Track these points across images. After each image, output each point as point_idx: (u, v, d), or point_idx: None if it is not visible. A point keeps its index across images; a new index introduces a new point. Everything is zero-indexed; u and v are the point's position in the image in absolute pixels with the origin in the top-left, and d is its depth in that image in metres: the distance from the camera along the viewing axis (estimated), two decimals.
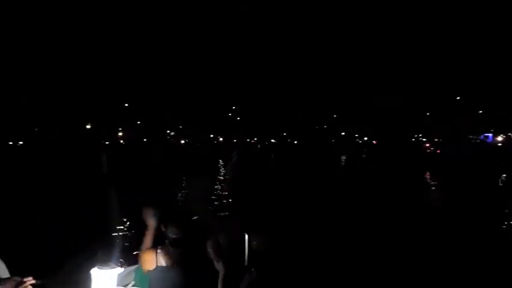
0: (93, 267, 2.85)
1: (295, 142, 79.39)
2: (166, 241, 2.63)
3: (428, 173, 24.19)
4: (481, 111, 64.10)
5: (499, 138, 60.50)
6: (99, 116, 61.95)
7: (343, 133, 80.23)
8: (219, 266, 2.77)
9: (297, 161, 33.66)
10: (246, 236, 2.84)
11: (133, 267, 3.18)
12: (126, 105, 67.06)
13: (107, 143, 61.17)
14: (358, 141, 78.57)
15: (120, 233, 6.43)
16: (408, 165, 29.35)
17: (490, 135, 61.28)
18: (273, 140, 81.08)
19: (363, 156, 45.27)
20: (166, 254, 2.61)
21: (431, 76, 72.73)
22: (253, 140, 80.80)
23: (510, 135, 59.86)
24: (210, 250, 2.75)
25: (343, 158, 41.88)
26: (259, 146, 73.29)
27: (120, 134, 66.71)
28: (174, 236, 2.62)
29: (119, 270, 2.84)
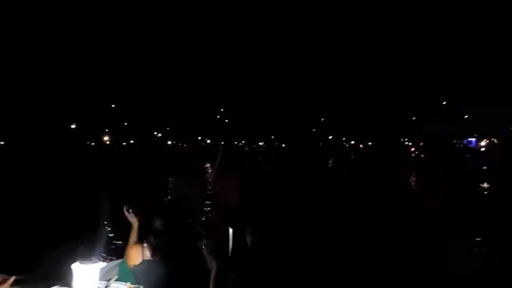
0: (75, 262, 2.81)
1: (283, 145, 79.68)
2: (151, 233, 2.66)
3: (414, 176, 24.55)
4: (466, 116, 65.38)
5: (482, 143, 61.77)
6: (84, 117, 61.33)
7: (330, 137, 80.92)
8: (212, 265, 2.78)
9: (285, 163, 33.80)
10: (231, 231, 2.84)
11: (116, 262, 3.17)
12: (113, 106, 66.53)
13: (92, 144, 60.56)
14: (345, 145, 79.34)
15: (106, 230, 6.42)
16: (394, 168, 29.76)
17: (474, 139, 62.52)
18: (260, 143, 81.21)
19: (352, 158, 45.76)
20: (151, 246, 2.64)
21: (418, 81, 73.87)
22: (241, 142, 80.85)
23: (493, 140, 61.16)
24: (206, 250, 2.75)
25: (331, 161, 42.24)
26: (246, 148, 73.36)
27: (106, 136, 66.11)
28: (159, 227, 2.65)
29: (101, 264, 2.81)
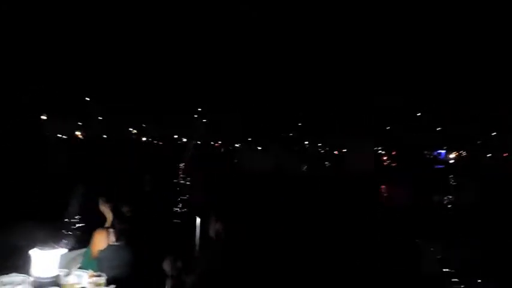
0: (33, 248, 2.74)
1: (259, 148, 79.90)
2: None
3: (384, 185, 25.22)
4: (439, 128, 67.27)
5: (451, 155, 63.86)
6: (57, 110, 59.59)
7: (306, 142, 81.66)
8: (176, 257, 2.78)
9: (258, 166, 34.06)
10: (198, 220, 2.83)
11: (81, 251, 3.12)
12: (88, 99, 64.94)
13: (64, 137, 58.93)
14: (320, 151, 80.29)
15: (71, 218, 6.29)
16: (366, 173, 30.47)
17: (443, 151, 64.51)
18: (237, 145, 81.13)
19: (325, 164, 46.56)
20: (116, 231, 2.67)
21: (393, 91, 75.48)
22: (217, 143, 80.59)
23: (461, 153, 63.32)
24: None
25: (305, 167, 42.86)
26: (222, 150, 73.27)
27: (78, 132, 64.47)
28: (125, 214, 2.67)
29: (62, 251, 2.75)
